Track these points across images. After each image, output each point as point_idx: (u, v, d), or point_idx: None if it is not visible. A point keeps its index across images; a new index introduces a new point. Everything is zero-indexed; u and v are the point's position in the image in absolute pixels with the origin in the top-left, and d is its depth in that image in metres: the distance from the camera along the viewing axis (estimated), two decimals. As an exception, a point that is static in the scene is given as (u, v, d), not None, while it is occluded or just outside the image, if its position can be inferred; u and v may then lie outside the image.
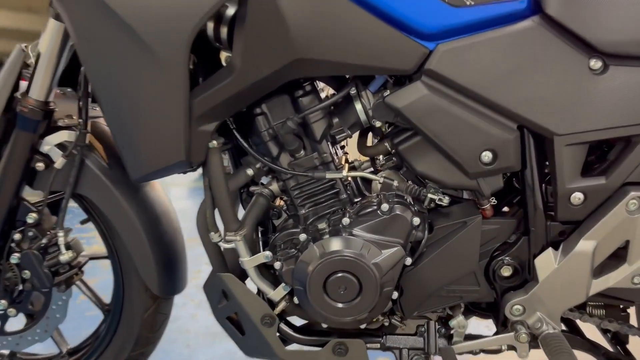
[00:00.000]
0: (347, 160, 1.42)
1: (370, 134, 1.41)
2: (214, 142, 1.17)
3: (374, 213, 1.21)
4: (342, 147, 1.52)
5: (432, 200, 1.26)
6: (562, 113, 1.12)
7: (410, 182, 1.29)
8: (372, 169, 1.38)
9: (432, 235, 1.25)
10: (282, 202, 1.44)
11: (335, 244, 1.18)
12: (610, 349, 1.48)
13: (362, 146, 1.35)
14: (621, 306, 1.37)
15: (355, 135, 1.36)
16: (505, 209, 1.35)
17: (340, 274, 1.18)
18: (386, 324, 1.37)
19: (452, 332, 1.30)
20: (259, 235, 1.42)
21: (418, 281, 1.25)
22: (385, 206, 1.20)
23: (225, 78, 1.10)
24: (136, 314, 1.49)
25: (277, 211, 1.41)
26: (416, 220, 1.20)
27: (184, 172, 1.27)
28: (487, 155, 1.16)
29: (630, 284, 1.20)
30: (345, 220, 1.21)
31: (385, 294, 1.19)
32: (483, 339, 1.27)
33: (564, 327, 1.49)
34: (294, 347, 1.40)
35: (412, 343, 1.33)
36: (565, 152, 1.14)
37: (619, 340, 1.49)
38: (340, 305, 1.19)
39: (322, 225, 1.23)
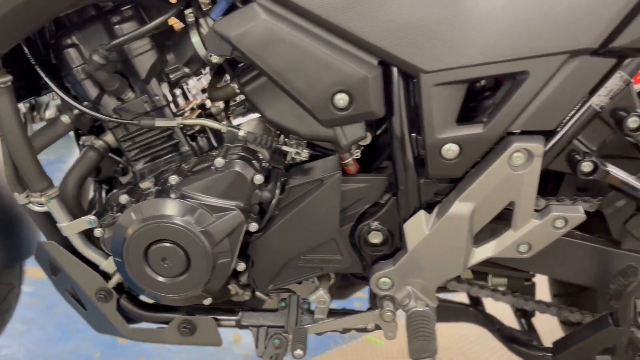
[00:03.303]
0: (202, 106, 1.19)
1: (227, 75, 1.17)
2: (-5, 79, 0.93)
3: (208, 170, 0.99)
4: (204, 91, 1.28)
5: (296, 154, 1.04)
6: (429, 44, 0.90)
7: (268, 132, 1.07)
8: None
9: (286, 196, 1.04)
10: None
11: (155, 208, 0.96)
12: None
13: (211, 88, 1.11)
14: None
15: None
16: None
17: (161, 244, 0.97)
18: (247, 297, 1.18)
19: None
20: (102, 196, 1.20)
21: (269, 250, 1.05)
22: (219, 161, 0.98)
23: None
24: (-32, 286, 1.29)
25: (122, 167, 1.19)
26: (258, 178, 0.99)
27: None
28: (342, 99, 0.94)
29: (516, 252, 1.00)
30: (173, 179, 0.99)
31: (220, 266, 0.99)
32: (345, 317, 1.08)
33: (467, 300, 1.31)
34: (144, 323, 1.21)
35: (273, 320, 1.14)
36: (435, 94, 0.92)
37: (526, 313, 1.32)
38: (163, 279, 0.99)
39: (146, 184, 1.01)
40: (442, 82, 0.91)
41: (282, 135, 1.08)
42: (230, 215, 0.97)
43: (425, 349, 0.91)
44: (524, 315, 1.32)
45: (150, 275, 0.99)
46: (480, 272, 1.24)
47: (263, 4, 0.91)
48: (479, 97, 1.06)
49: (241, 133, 1.03)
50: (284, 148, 1.04)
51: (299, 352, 1.00)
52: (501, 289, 1.20)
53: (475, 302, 1.32)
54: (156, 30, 1.04)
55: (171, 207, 0.95)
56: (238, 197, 0.99)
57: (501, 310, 1.32)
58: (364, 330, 1.09)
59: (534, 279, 1.29)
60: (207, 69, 1.16)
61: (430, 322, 0.97)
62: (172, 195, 0.98)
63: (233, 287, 1.15)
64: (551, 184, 1.13)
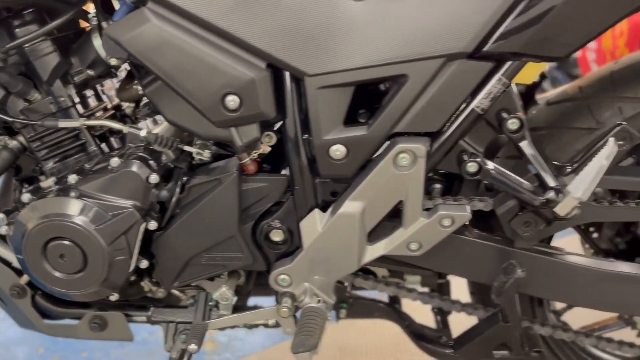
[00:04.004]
0: (119, 107, 1.22)
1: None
2: None
3: (105, 169, 1.02)
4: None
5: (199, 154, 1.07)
6: (311, 48, 0.93)
7: (179, 133, 1.10)
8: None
9: (186, 196, 1.06)
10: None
11: (51, 205, 0.99)
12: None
13: (120, 90, 1.14)
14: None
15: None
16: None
17: (58, 242, 0.99)
18: (161, 294, 1.20)
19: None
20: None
21: (170, 248, 1.07)
22: (115, 161, 1.00)
23: None
24: None
25: (39, 167, 1.22)
26: (154, 178, 1.01)
27: None
28: (232, 100, 0.96)
29: (407, 250, 1.03)
30: (72, 178, 1.02)
31: (118, 264, 1.01)
32: (244, 313, 1.11)
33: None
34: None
35: (182, 316, 1.17)
36: (320, 97, 0.95)
37: (442, 310, 1.34)
38: (61, 276, 1.02)
39: (48, 182, 1.04)
40: (325, 85, 0.94)
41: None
42: (125, 213, 1.00)
43: (303, 344, 0.94)
44: (440, 312, 1.35)
45: (49, 272, 1.01)
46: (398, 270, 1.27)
47: (153, 9, 0.94)
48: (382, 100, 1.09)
49: (142, 134, 1.05)
50: (186, 148, 1.07)
51: (193, 346, 1.03)
52: (411, 286, 1.23)
53: (393, 299, 1.35)
54: (61, 33, 1.08)
55: (66, 205, 0.98)
56: (133, 196, 1.01)
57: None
58: (265, 326, 1.11)
59: (448, 277, 1.32)
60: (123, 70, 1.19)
61: (318, 318, 1.00)
62: (72, 194, 1.00)
63: (145, 284, 1.17)
64: (457, 183, 1.16)
